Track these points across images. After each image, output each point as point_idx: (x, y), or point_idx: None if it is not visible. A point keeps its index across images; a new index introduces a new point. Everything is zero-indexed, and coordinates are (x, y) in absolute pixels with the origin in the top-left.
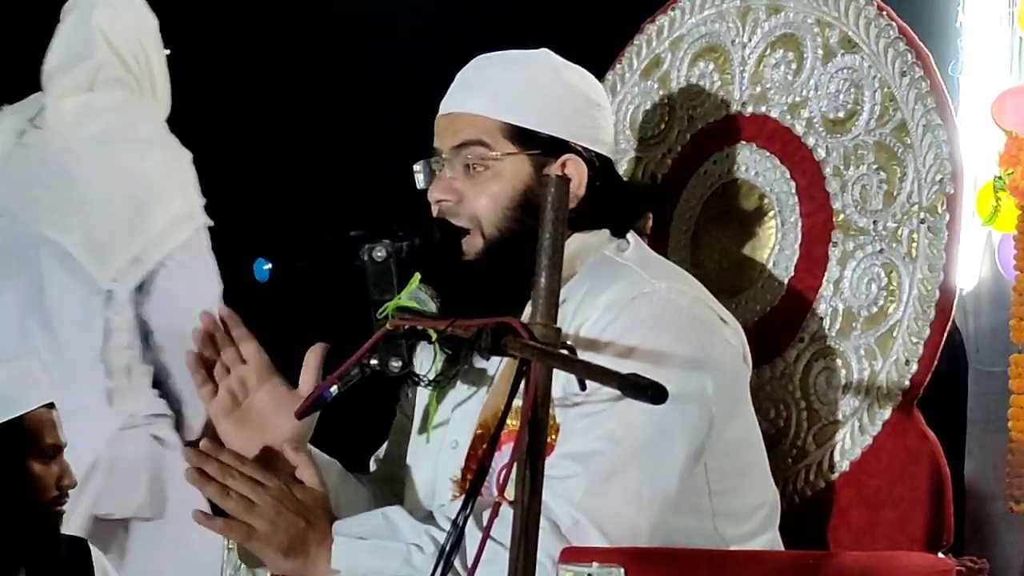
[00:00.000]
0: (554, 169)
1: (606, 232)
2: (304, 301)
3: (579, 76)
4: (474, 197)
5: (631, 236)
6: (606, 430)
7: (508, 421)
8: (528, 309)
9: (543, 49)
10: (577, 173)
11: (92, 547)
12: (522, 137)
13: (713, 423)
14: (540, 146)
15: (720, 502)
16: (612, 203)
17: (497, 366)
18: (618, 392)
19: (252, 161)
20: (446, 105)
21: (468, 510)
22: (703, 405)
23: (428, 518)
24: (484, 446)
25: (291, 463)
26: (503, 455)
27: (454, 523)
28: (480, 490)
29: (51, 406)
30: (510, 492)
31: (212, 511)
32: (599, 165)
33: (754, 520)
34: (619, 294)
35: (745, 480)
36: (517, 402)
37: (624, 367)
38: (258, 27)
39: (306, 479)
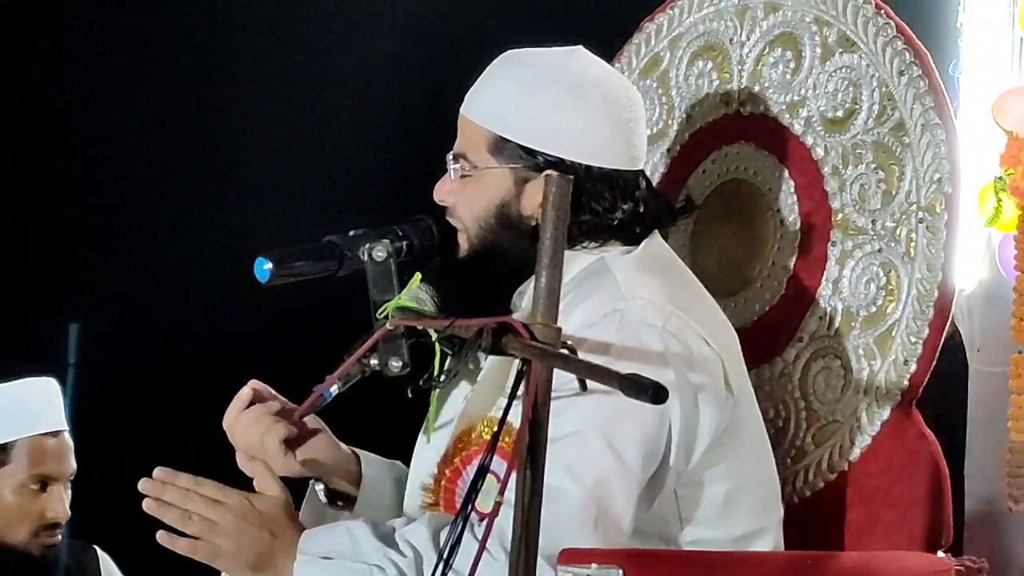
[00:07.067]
0: (535, 185)
1: (599, 249)
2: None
3: (600, 87)
4: (459, 204)
5: (650, 238)
6: (564, 462)
7: (481, 428)
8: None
9: (576, 48)
10: None
11: (99, 551)
12: (506, 150)
13: (675, 450)
14: (523, 160)
15: (695, 531)
16: (603, 221)
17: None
18: (580, 414)
19: (248, 159)
20: (463, 103)
21: (468, 510)
22: (662, 429)
23: (389, 537)
24: (463, 452)
25: (247, 474)
26: (474, 466)
27: (452, 527)
28: (478, 490)
29: (56, 434)
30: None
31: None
32: (595, 181)
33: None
34: (591, 311)
35: (728, 510)
36: (494, 413)
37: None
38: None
39: (265, 488)
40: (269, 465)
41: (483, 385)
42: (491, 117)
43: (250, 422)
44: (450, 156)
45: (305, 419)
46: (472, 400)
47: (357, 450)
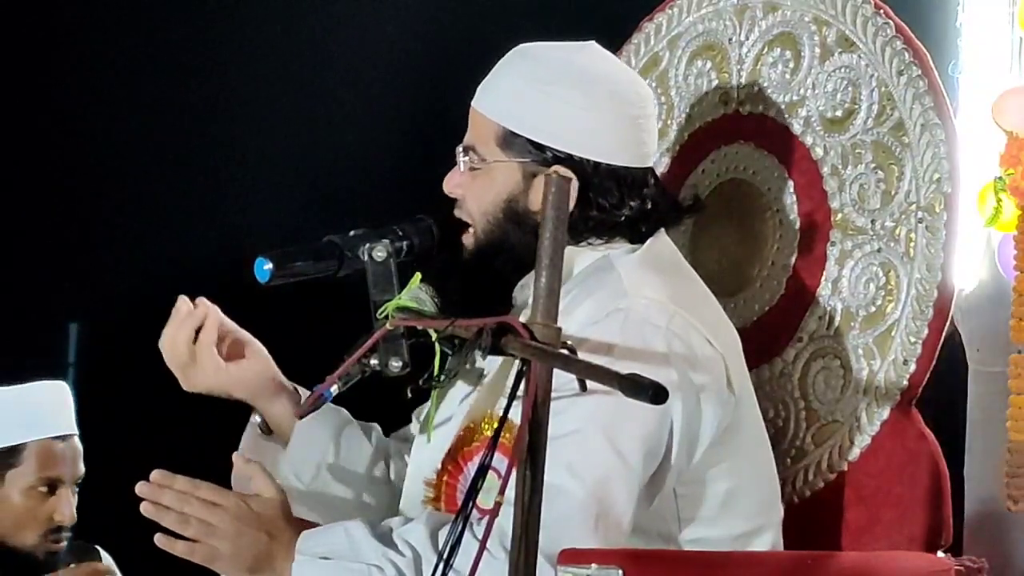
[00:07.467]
0: (541, 180)
1: (604, 246)
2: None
3: (610, 83)
4: (468, 197)
5: (655, 236)
6: (566, 461)
7: (483, 425)
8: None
9: (588, 43)
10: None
11: (102, 553)
12: (515, 144)
13: (676, 448)
14: (532, 154)
15: (694, 530)
16: (609, 217)
17: (496, 365)
18: (581, 412)
19: (248, 159)
20: (475, 96)
21: (469, 509)
22: (663, 429)
23: (388, 536)
24: (465, 448)
25: (243, 475)
26: (475, 463)
27: (452, 526)
28: (478, 490)
29: (66, 438)
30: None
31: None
32: (603, 178)
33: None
34: (595, 308)
35: (728, 508)
36: (498, 411)
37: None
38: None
39: (262, 490)
40: (209, 373)
41: (488, 384)
42: (501, 111)
43: (185, 316)
44: (460, 149)
45: (250, 344)
46: (477, 398)
47: (301, 388)
